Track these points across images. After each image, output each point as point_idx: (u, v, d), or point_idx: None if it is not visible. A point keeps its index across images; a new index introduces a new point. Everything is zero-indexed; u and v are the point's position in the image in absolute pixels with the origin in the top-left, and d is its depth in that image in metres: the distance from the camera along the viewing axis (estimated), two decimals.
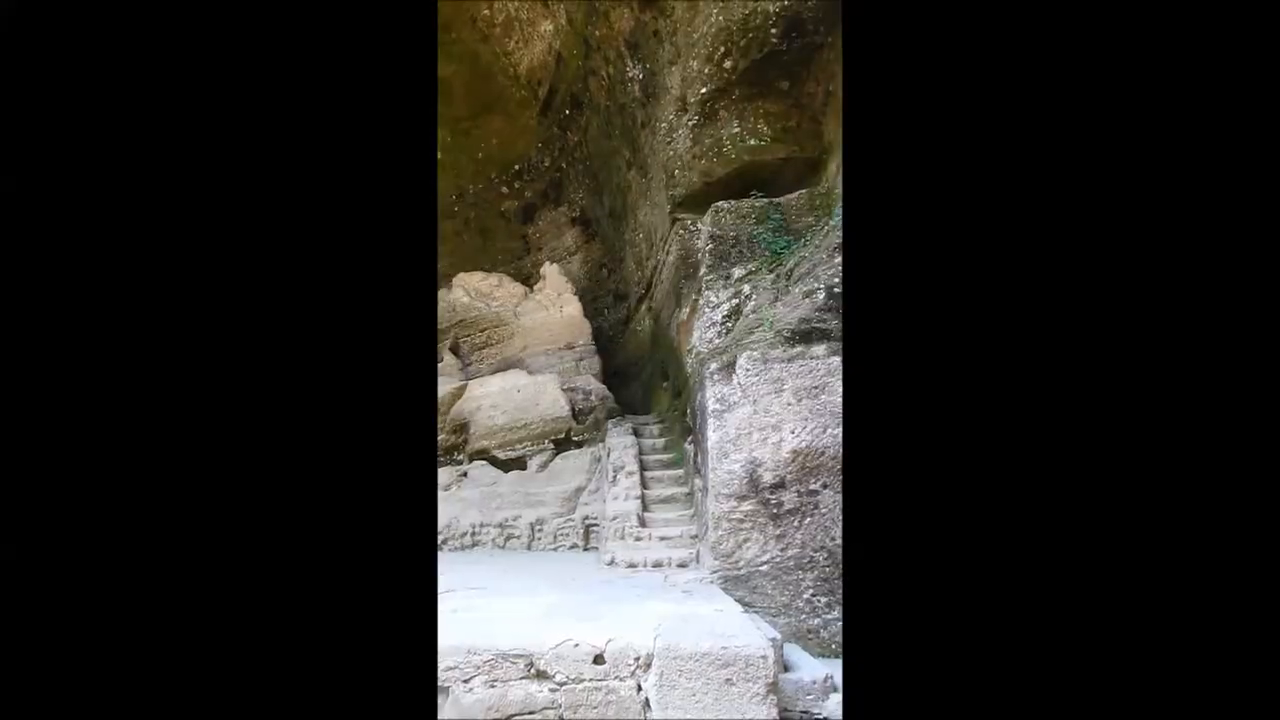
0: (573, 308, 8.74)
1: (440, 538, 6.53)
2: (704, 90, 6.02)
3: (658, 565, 4.70)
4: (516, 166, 10.24)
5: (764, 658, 2.58)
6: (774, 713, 2.55)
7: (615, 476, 5.70)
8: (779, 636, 3.03)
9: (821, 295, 4.20)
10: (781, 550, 3.85)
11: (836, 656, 3.57)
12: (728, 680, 2.57)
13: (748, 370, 4.10)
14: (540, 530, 6.49)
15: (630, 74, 7.04)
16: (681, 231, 6.33)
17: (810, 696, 2.79)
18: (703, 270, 5.64)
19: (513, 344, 8.75)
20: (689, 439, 5.38)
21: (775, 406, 3.99)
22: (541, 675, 2.77)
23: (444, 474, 7.26)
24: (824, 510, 3.83)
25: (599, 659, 2.77)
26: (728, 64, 5.83)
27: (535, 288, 9.08)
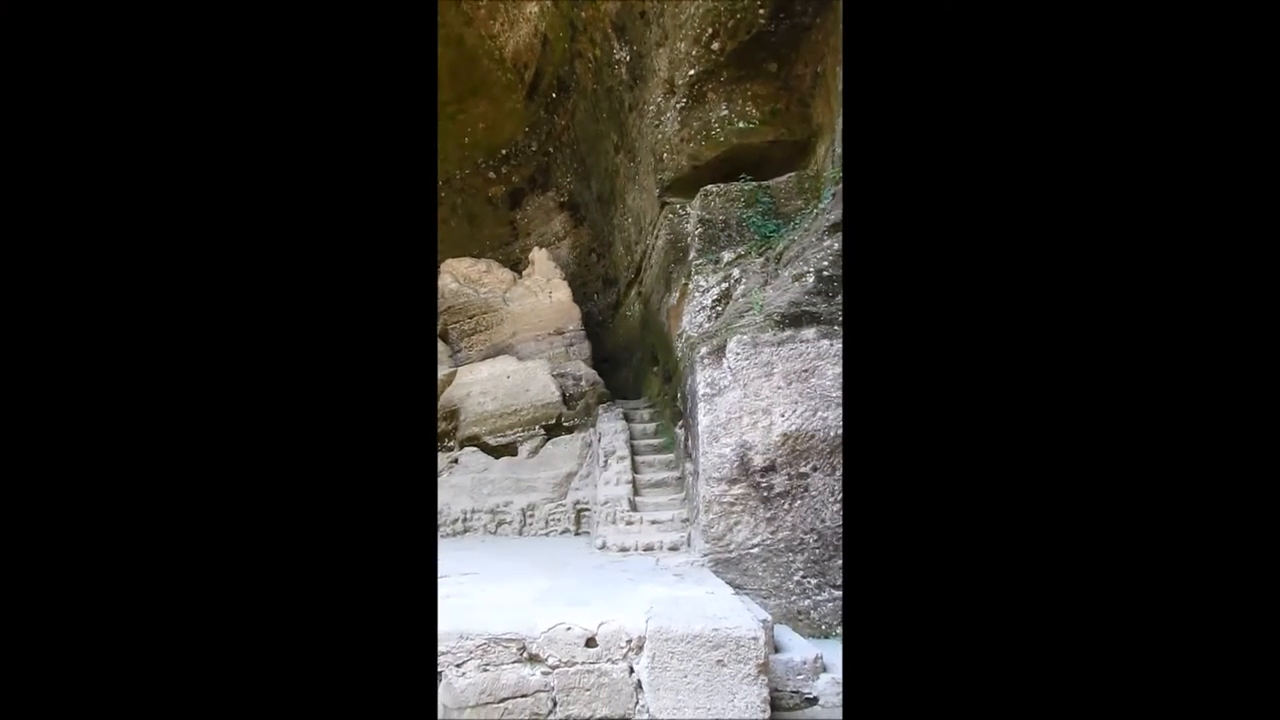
0: (562, 293, 8.69)
1: None
2: (691, 72, 5.96)
3: (649, 549, 4.72)
4: (503, 151, 10.12)
5: (755, 639, 2.60)
6: (765, 693, 2.57)
7: (606, 461, 5.69)
8: (769, 618, 3.05)
9: (811, 279, 4.19)
10: (772, 533, 3.86)
11: (826, 637, 3.60)
12: (719, 662, 2.58)
13: (738, 354, 4.09)
14: (532, 516, 6.50)
15: (617, 56, 6.96)
16: (670, 215, 6.30)
17: (801, 676, 2.82)
18: (692, 254, 5.61)
19: (502, 330, 8.70)
20: (679, 423, 5.38)
21: (765, 390, 3.99)
22: (534, 659, 2.78)
23: None
24: (814, 493, 3.84)
25: (591, 642, 2.78)
26: (715, 46, 5.77)
27: (524, 273, 9.02)
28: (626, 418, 6.47)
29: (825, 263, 4.21)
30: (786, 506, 3.87)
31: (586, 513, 6.24)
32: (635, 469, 5.64)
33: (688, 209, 6.01)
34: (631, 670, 2.73)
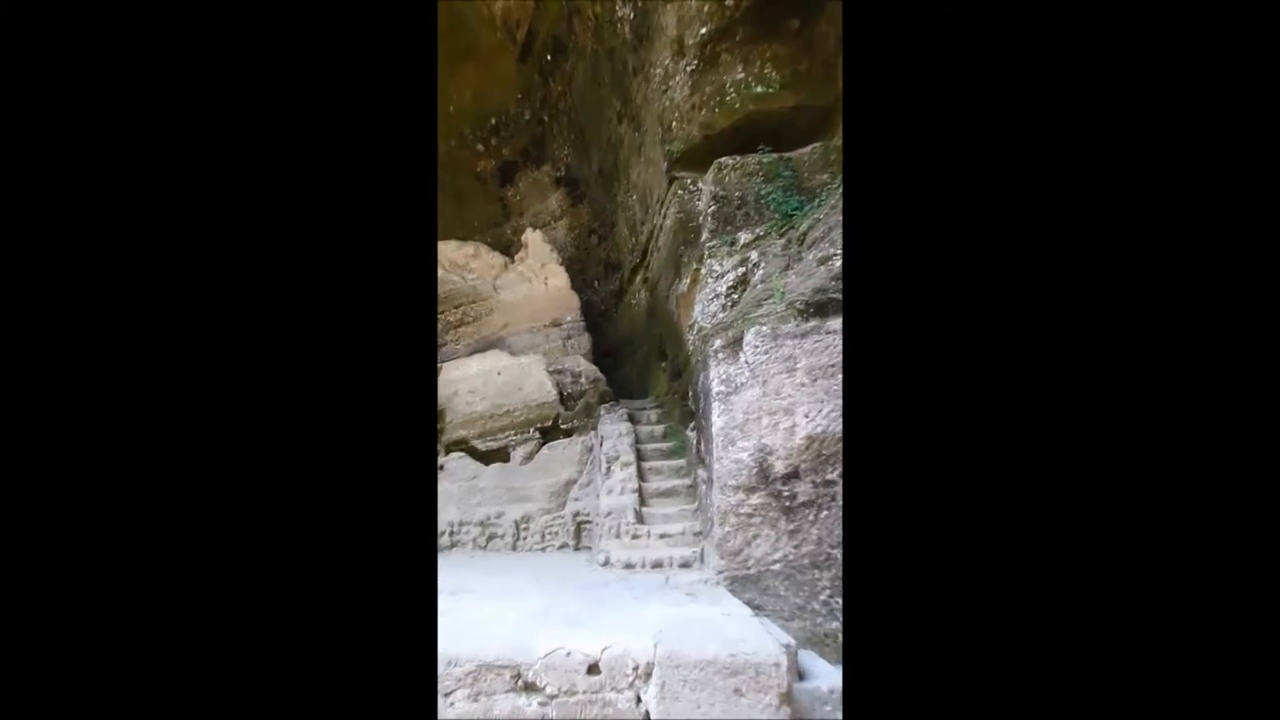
0: (559, 280, 8.70)
1: None
2: (704, 31, 5.94)
3: (657, 565, 4.73)
4: (493, 121, 10.13)
5: (776, 665, 2.61)
6: None
7: (609, 468, 5.71)
8: (793, 642, 3.05)
9: (838, 262, 4.19)
10: (795, 547, 3.87)
11: None
12: (736, 690, 2.59)
13: (756, 347, 4.09)
14: (526, 528, 6.53)
15: (620, 13, 6.95)
16: (680, 192, 6.29)
17: (828, 707, 2.82)
18: (705, 235, 5.61)
19: (492, 321, 8.72)
20: (691, 425, 5.39)
21: (787, 387, 3.99)
22: (530, 688, 2.79)
23: None
24: (842, 503, 3.84)
25: (594, 669, 2.79)
26: (729, 0, 5.75)
27: (516, 258, 9.03)
28: (631, 419, 6.49)
29: None
30: (811, 518, 3.87)
31: (587, 525, 6.26)
32: (641, 476, 5.65)
33: (699, 184, 6.01)
34: (639, 700, 2.74)
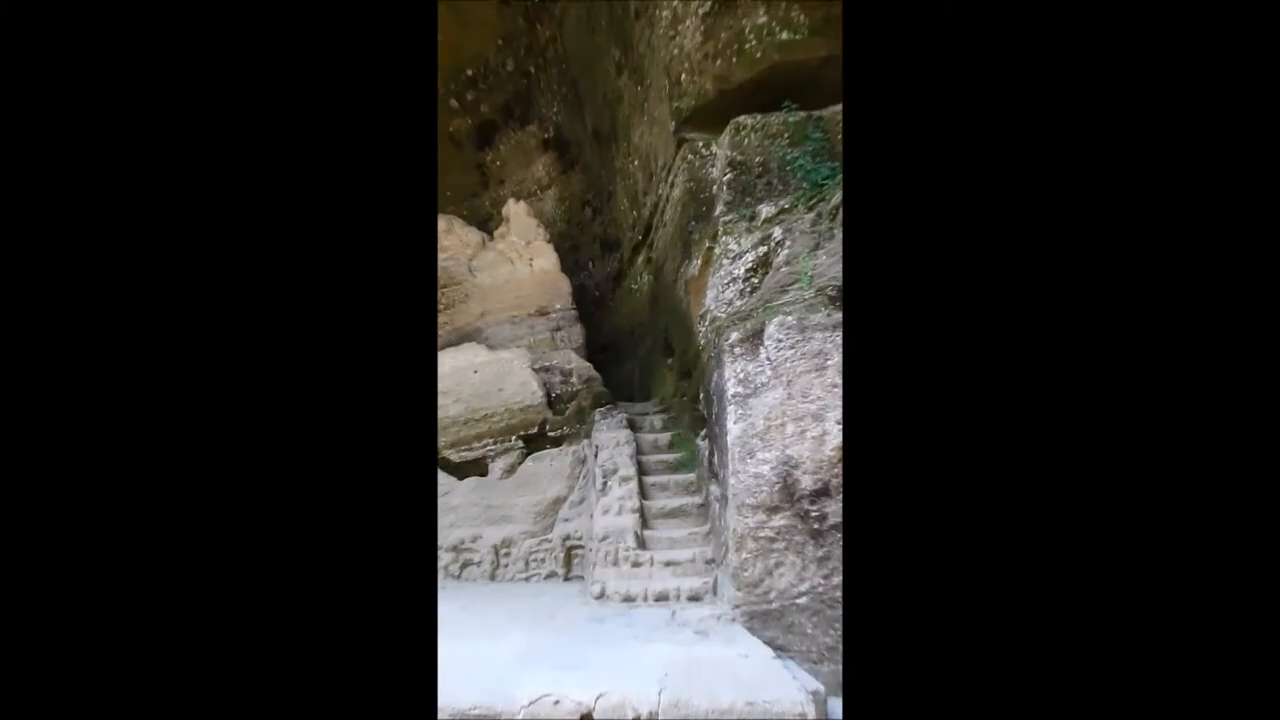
0: (546, 260, 8.70)
1: None
2: None
3: (662, 598, 4.74)
4: (469, 72, 10.13)
5: (803, 715, 2.61)
6: None
7: (605, 483, 5.72)
8: (822, 689, 3.06)
9: None
10: (824, 578, 3.87)
11: None
12: None
13: (780, 341, 4.09)
14: (507, 554, 6.53)
15: None
16: (690, 156, 6.29)
17: None
18: (719, 208, 5.61)
19: (467, 309, 8.72)
20: (702, 433, 5.40)
21: (816, 388, 3.99)
22: None
23: None
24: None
25: (587, 719, 2.80)
26: None
27: (496, 234, 9.03)
28: (632, 425, 6.49)
29: None
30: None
31: (579, 551, 6.27)
32: (644, 493, 5.67)
33: (713, 148, 6.00)
34: None
